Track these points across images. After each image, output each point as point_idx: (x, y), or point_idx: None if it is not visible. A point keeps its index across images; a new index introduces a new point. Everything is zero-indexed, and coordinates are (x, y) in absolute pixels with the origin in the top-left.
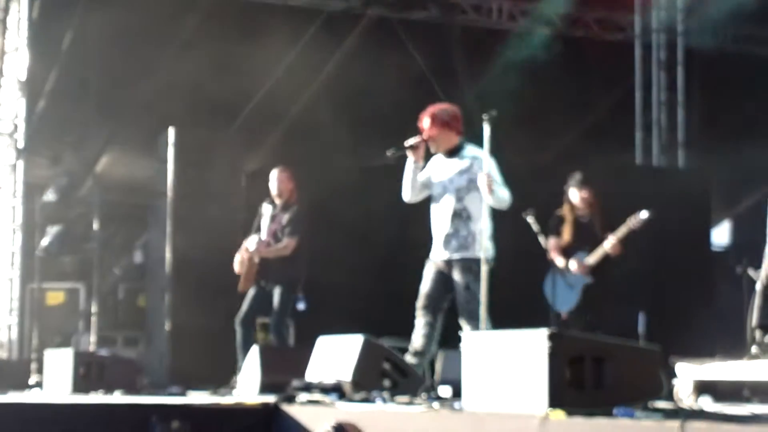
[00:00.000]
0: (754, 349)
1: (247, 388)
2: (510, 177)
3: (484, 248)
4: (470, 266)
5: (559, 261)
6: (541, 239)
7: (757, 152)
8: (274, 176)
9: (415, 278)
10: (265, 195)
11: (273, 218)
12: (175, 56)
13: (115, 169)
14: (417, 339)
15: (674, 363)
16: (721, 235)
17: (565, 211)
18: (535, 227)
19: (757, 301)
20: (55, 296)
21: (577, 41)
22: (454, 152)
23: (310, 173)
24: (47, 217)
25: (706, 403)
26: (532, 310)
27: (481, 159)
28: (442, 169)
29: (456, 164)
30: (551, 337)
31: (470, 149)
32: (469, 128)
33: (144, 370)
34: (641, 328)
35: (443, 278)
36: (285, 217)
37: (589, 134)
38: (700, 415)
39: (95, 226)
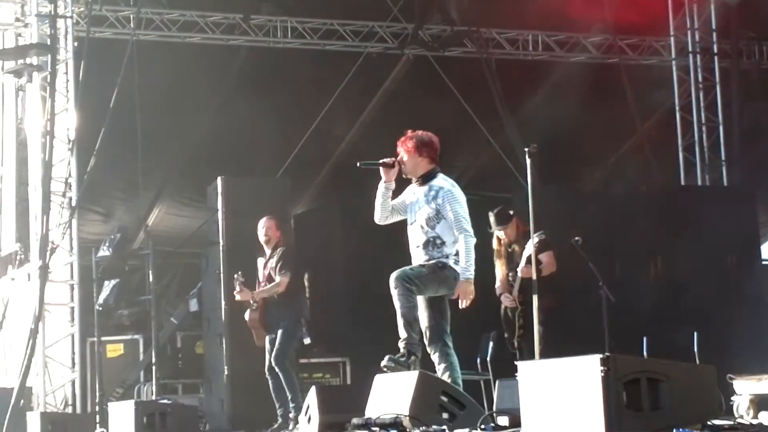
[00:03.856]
0: None
1: (306, 428)
2: (555, 204)
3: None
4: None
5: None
6: (591, 264)
7: None
8: (261, 225)
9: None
10: (314, 236)
11: (265, 265)
12: (218, 107)
13: (166, 220)
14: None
15: (731, 380)
16: None
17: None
18: (582, 253)
19: None
20: (114, 349)
21: (615, 67)
22: (425, 179)
23: (356, 211)
24: (103, 272)
25: (767, 419)
26: (585, 336)
27: (445, 189)
28: (414, 196)
29: (424, 193)
30: (604, 361)
31: (439, 179)
32: (512, 160)
33: (205, 416)
34: (696, 347)
35: (431, 302)
36: (274, 260)
37: (631, 158)
38: (760, 430)
39: (150, 277)
